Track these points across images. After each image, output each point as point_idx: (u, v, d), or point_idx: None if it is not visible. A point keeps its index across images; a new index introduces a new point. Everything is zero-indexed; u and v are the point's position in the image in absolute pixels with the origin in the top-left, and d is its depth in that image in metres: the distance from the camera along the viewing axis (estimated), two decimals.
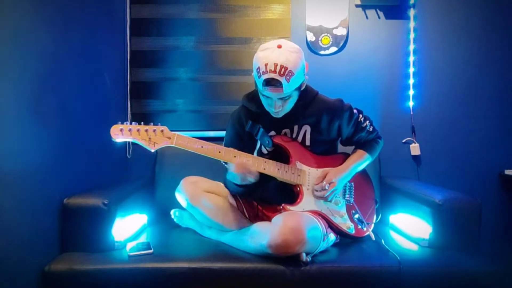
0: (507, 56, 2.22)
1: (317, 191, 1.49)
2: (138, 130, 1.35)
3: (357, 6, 2.23)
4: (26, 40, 1.29)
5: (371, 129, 1.60)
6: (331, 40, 2.23)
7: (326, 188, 1.46)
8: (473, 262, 1.37)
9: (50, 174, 1.40)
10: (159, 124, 1.40)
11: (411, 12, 2.21)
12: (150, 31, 2.22)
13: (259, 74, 1.34)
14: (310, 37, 2.23)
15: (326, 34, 2.23)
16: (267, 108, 1.47)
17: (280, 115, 1.48)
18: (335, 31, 2.23)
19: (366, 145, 1.63)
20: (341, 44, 2.23)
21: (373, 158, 1.63)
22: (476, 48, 2.22)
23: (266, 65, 1.31)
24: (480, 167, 2.23)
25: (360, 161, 1.59)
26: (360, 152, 1.61)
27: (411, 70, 2.21)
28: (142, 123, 1.38)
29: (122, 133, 1.33)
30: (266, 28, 2.22)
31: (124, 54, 2.20)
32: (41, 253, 1.33)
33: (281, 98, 1.39)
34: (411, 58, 2.21)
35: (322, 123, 1.53)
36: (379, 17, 2.24)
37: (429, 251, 1.46)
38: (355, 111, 1.56)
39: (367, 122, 1.59)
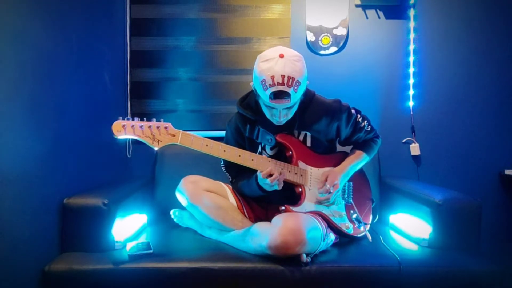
0: (507, 56, 2.22)
1: (321, 195, 1.48)
2: (141, 127, 1.29)
3: (357, 6, 2.23)
4: (25, 40, 1.29)
5: (369, 129, 1.60)
6: (331, 40, 2.23)
7: (331, 191, 1.46)
8: (473, 262, 1.36)
9: (50, 174, 1.40)
10: (162, 120, 1.35)
11: (411, 12, 2.21)
12: (150, 31, 2.22)
13: (265, 87, 1.30)
14: (310, 37, 2.23)
15: (326, 34, 2.23)
16: (269, 118, 1.45)
17: (283, 123, 1.46)
18: (335, 31, 2.23)
19: (363, 145, 1.64)
20: (341, 44, 2.23)
21: (370, 158, 1.65)
22: (476, 48, 2.22)
23: (272, 77, 1.27)
24: (480, 167, 2.23)
25: (358, 161, 1.59)
26: (357, 152, 1.62)
27: (411, 70, 2.21)
28: (144, 118, 1.32)
29: (125, 130, 1.27)
30: (266, 28, 2.22)
31: (124, 54, 2.20)
32: (41, 253, 1.33)
33: (286, 108, 1.38)
34: (411, 58, 2.21)
35: (321, 125, 1.53)
36: (379, 17, 2.24)
37: (429, 251, 1.46)
38: (353, 111, 1.56)
39: (365, 122, 1.59)
